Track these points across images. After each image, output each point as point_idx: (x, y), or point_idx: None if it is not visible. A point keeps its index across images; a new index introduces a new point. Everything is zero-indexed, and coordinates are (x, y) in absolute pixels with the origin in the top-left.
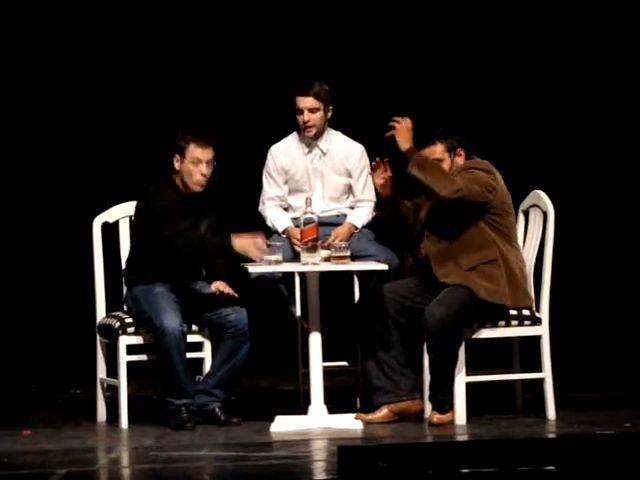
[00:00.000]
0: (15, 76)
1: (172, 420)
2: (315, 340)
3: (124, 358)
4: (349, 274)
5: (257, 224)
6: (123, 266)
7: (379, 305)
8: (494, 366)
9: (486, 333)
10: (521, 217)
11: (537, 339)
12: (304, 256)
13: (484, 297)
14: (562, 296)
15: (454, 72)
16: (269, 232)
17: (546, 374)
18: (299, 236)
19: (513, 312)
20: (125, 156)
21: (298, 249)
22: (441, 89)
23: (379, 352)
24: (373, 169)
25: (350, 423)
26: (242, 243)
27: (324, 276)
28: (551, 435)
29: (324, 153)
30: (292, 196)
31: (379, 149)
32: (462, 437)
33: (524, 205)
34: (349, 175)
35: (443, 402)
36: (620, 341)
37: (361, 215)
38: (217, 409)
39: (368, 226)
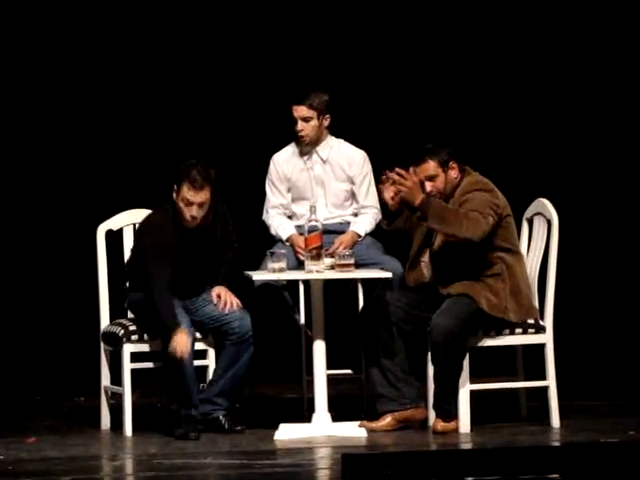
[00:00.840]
0: (20, 84)
1: (176, 430)
2: (319, 348)
3: (128, 366)
4: (353, 282)
5: (260, 230)
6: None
7: (383, 313)
8: (498, 374)
9: (490, 341)
10: (525, 225)
11: (541, 347)
12: (308, 264)
13: (485, 309)
14: (566, 304)
15: (457, 80)
16: (273, 240)
17: (550, 382)
18: (303, 244)
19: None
20: (129, 164)
21: (302, 257)
22: (444, 97)
23: (383, 360)
24: (381, 181)
25: (354, 431)
26: (178, 341)
27: (328, 284)
28: (555, 443)
29: (324, 161)
30: (295, 204)
31: (381, 155)
32: (466, 445)
33: (528, 213)
34: (351, 182)
35: (448, 411)
36: (624, 349)
37: (364, 223)
38: (221, 417)
39: (372, 234)
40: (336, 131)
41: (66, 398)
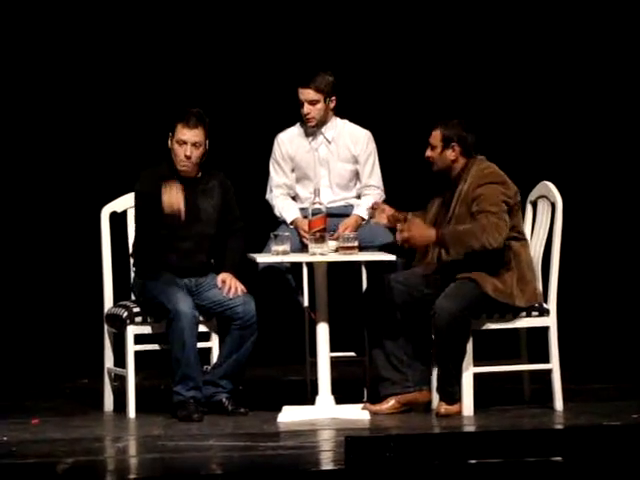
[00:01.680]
0: (20, 68)
1: (179, 412)
2: (323, 330)
3: (132, 348)
4: (356, 265)
5: (264, 213)
6: (130, 251)
7: (387, 296)
8: (502, 357)
9: (494, 324)
10: (529, 208)
11: (545, 330)
12: (312, 246)
13: (490, 293)
14: (570, 287)
15: (461, 63)
16: (276, 222)
17: (554, 365)
18: (307, 227)
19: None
20: (133, 145)
21: (306, 240)
22: (448, 81)
23: (387, 342)
24: (372, 216)
25: (357, 414)
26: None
27: (332, 266)
28: (558, 426)
29: (329, 141)
30: (299, 185)
31: (386, 135)
32: (469, 428)
33: (532, 196)
34: (356, 162)
35: (452, 394)
36: (628, 332)
37: (368, 205)
38: (224, 399)
39: None
40: (341, 112)
41: (69, 380)
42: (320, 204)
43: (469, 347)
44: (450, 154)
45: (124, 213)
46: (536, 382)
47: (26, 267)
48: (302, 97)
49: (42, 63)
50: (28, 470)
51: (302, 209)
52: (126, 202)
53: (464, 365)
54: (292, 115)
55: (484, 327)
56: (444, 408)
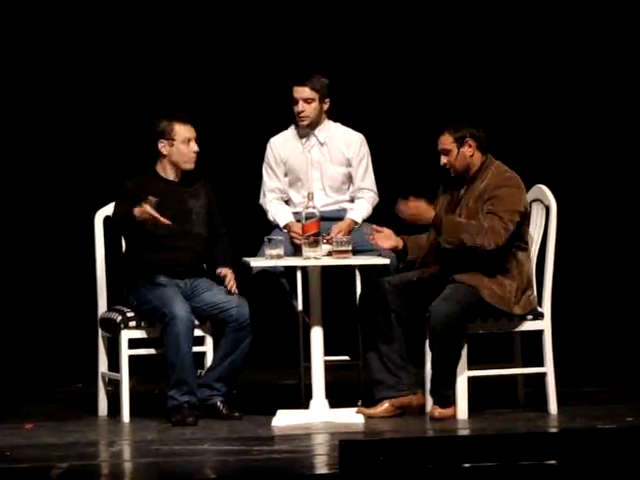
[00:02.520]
0: (16, 72)
1: (173, 416)
2: (317, 334)
3: (126, 352)
4: (350, 269)
5: (257, 217)
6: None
7: (381, 299)
8: (496, 361)
9: (488, 328)
10: None
11: (539, 334)
12: (306, 250)
13: (487, 299)
14: (564, 290)
15: (457, 66)
16: (270, 226)
17: (548, 369)
18: (299, 231)
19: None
20: (127, 150)
21: (298, 242)
22: (444, 83)
23: (381, 346)
24: (372, 238)
25: (352, 417)
26: (139, 211)
27: (326, 270)
28: (553, 429)
29: (322, 144)
30: (292, 189)
31: (379, 139)
32: (464, 431)
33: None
34: (348, 165)
35: (446, 397)
36: (621, 335)
37: (361, 209)
38: (219, 403)
39: (370, 220)
40: (334, 115)
41: (64, 384)
42: (313, 208)
43: (464, 351)
44: (467, 150)
45: None
46: (530, 385)
47: (20, 271)
48: (297, 95)
49: (36, 68)
50: (22, 475)
51: (295, 213)
52: None
53: (458, 369)
54: (285, 119)
55: (479, 331)
56: (438, 412)
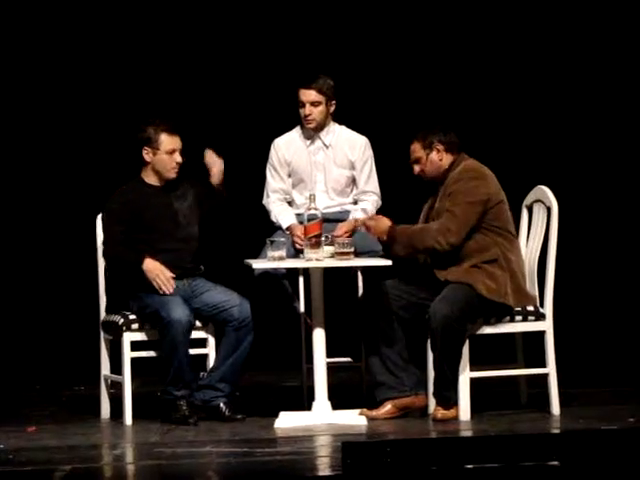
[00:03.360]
0: (18, 73)
1: (174, 414)
2: (319, 336)
3: (128, 354)
4: (353, 270)
5: (259, 218)
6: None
7: (383, 301)
8: (498, 362)
9: (490, 329)
10: (525, 212)
11: (541, 334)
12: (308, 252)
13: (484, 294)
14: (566, 291)
15: (457, 67)
16: (272, 228)
17: (550, 369)
18: (301, 232)
19: (517, 308)
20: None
21: (299, 247)
22: (445, 85)
23: (383, 348)
24: (367, 231)
25: (354, 419)
26: (150, 267)
27: (328, 272)
28: (555, 430)
29: (327, 146)
30: (295, 190)
31: (383, 142)
32: (466, 433)
33: (528, 200)
34: (352, 167)
35: (448, 398)
36: (624, 336)
37: (364, 211)
38: (222, 405)
39: None
40: (339, 118)
41: (66, 387)
42: (316, 210)
43: (465, 351)
44: (435, 155)
45: None
46: (533, 386)
47: (22, 274)
48: (303, 98)
49: (39, 75)
50: (25, 477)
51: (298, 215)
52: None
53: (461, 370)
54: (290, 120)
55: (481, 331)
56: (441, 413)
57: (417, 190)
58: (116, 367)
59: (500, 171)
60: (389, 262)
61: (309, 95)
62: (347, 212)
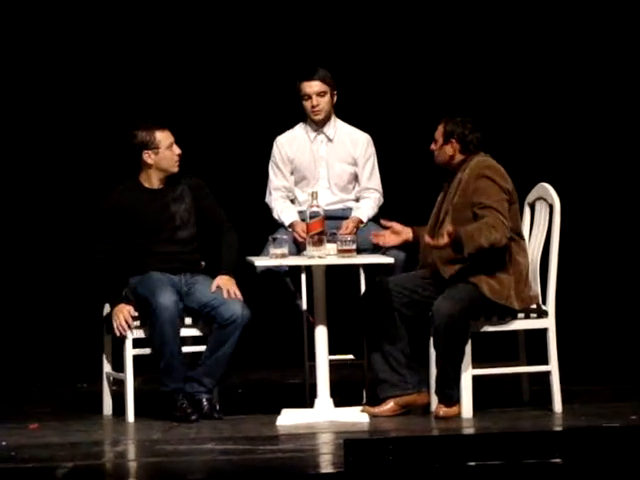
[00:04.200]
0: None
1: (175, 412)
2: (321, 333)
3: (130, 352)
4: (355, 267)
5: (262, 216)
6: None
7: (385, 298)
8: (501, 359)
9: (493, 326)
10: (527, 210)
11: (543, 332)
12: (310, 249)
13: (487, 294)
14: (568, 288)
15: (460, 67)
16: (274, 225)
17: (552, 367)
18: (303, 229)
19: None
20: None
21: (300, 241)
22: (447, 83)
23: (385, 345)
24: (377, 241)
25: (356, 416)
26: (117, 309)
27: (330, 269)
28: (557, 428)
29: (330, 140)
30: (298, 188)
31: (386, 140)
32: (469, 430)
33: (530, 198)
34: (355, 164)
35: (450, 396)
36: (626, 334)
37: (366, 208)
38: (205, 400)
39: (374, 219)
40: (340, 115)
41: (68, 384)
42: (318, 207)
43: (468, 349)
44: (448, 149)
45: None
46: (535, 384)
47: (24, 271)
48: (309, 90)
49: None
50: (27, 474)
51: (300, 212)
52: None
53: (463, 367)
54: (292, 117)
55: (483, 329)
56: (443, 410)
57: (418, 188)
58: (118, 364)
59: (503, 168)
60: (391, 260)
61: (314, 86)
62: (349, 209)
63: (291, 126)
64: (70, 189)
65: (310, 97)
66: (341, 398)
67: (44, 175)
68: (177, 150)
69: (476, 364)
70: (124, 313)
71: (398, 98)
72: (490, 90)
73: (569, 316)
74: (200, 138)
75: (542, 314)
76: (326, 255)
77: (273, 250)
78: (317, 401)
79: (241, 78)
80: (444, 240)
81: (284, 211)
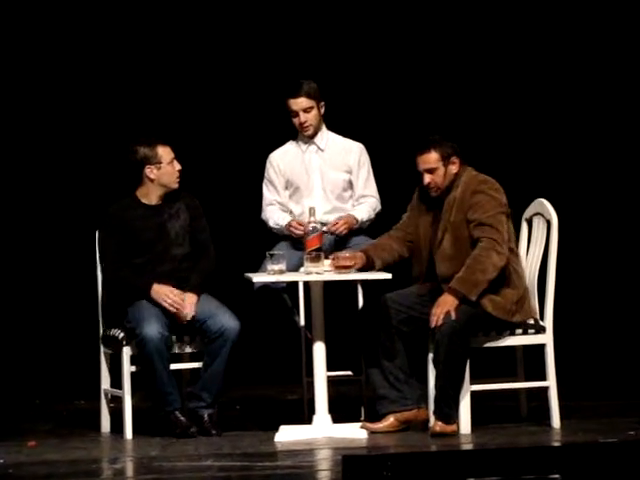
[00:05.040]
0: (20, 81)
1: (174, 428)
2: (319, 349)
3: (128, 369)
4: (353, 283)
5: (259, 232)
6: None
7: (383, 314)
8: (499, 375)
9: (491, 342)
10: (524, 225)
11: (541, 347)
12: (308, 265)
13: (490, 311)
14: (566, 304)
15: (455, 80)
16: (272, 241)
17: (550, 382)
18: (300, 223)
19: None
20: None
21: (299, 232)
22: (444, 95)
23: (383, 361)
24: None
25: (355, 432)
26: (158, 290)
27: (328, 285)
28: (556, 443)
29: (321, 149)
30: (293, 201)
31: (377, 151)
32: (467, 446)
33: (527, 213)
34: (349, 171)
35: (449, 415)
36: (624, 349)
37: (362, 210)
38: (206, 416)
39: (370, 232)
40: (332, 125)
41: (66, 401)
42: (315, 223)
43: (466, 366)
44: (453, 168)
45: None
46: (533, 399)
47: (21, 288)
48: (295, 107)
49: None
50: None
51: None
52: None
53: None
54: (284, 134)
55: (481, 345)
56: (439, 426)
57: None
58: (116, 381)
59: (500, 183)
60: (389, 275)
61: (300, 103)
62: None
63: (285, 142)
64: (68, 206)
65: (298, 114)
66: (339, 414)
67: (41, 190)
68: (177, 166)
69: (474, 380)
70: (165, 291)
71: (393, 111)
72: (487, 105)
73: (567, 332)
74: (197, 155)
75: (540, 330)
76: (324, 271)
77: (270, 266)
78: (315, 417)
79: (236, 96)
80: (452, 305)
81: (280, 217)
